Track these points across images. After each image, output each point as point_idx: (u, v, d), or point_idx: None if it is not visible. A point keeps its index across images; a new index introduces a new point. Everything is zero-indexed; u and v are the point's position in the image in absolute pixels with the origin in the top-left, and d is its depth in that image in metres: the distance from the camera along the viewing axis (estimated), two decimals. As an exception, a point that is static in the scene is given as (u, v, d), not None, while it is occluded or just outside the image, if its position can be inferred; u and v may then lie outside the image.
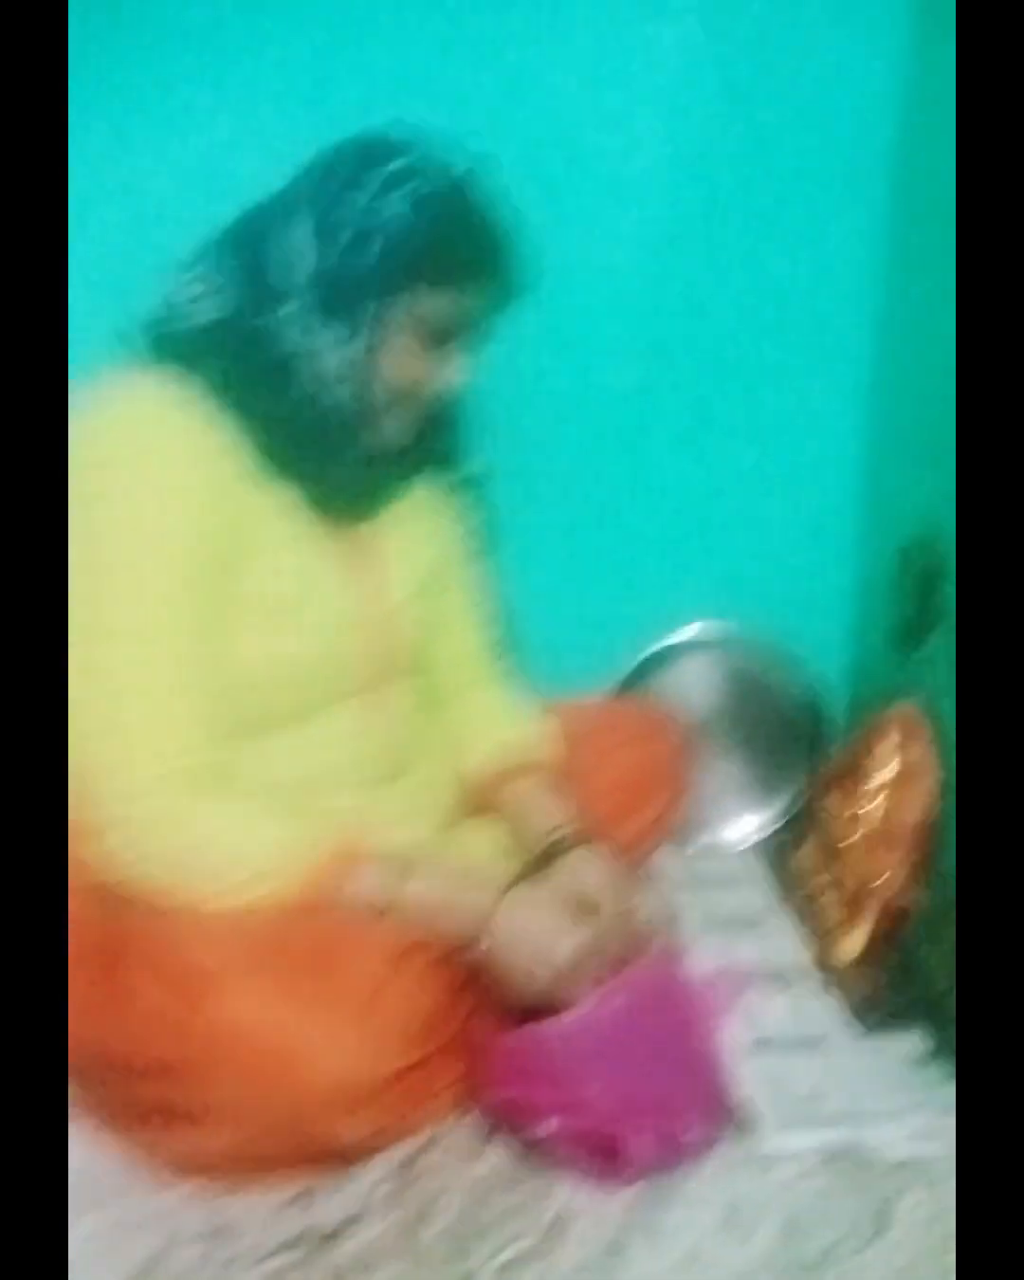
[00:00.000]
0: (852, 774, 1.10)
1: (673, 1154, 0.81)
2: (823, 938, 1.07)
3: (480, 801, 1.00)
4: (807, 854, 1.15)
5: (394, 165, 0.79)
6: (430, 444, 0.94)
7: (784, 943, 1.09)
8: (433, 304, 0.81)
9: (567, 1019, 0.80)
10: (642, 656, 1.23)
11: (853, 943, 1.04)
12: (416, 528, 0.97)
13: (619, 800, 1.03)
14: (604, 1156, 0.80)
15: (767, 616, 1.20)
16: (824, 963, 1.04)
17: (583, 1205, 0.79)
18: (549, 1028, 0.80)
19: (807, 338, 1.13)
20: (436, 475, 0.98)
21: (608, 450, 1.15)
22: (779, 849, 1.23)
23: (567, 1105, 0.80)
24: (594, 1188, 0.80)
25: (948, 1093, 0.87)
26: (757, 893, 1.18)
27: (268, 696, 0.86)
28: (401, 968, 0.78)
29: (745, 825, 1.27)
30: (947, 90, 0.86)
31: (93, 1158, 0.81)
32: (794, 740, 1.25)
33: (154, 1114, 0.78)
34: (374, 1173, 0.80)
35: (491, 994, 0.83)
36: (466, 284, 0.82)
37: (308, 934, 0.76)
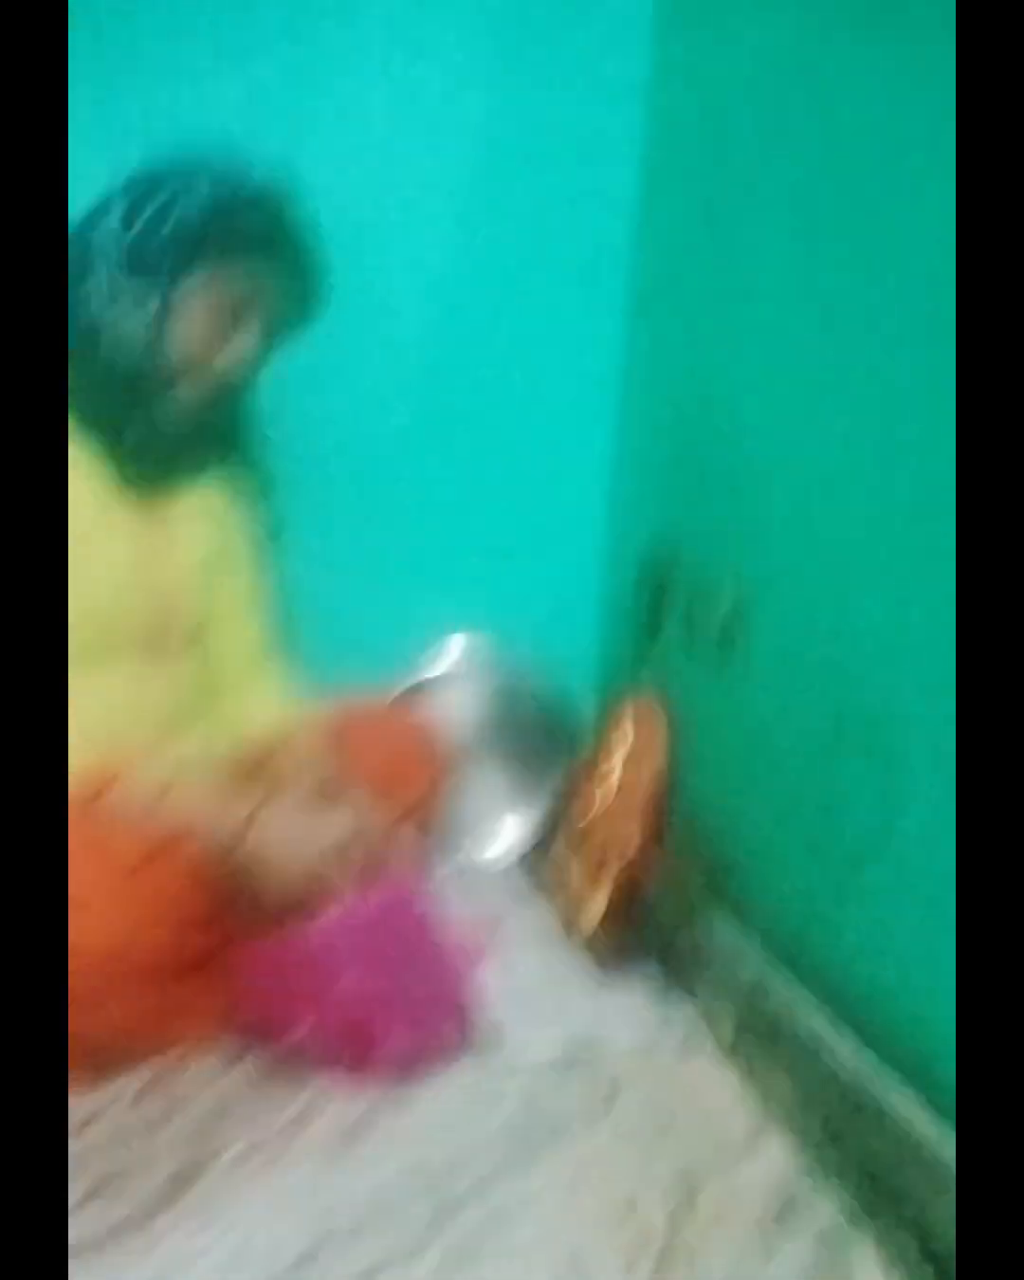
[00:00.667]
0: (594, 761, 1.21)
1: (423, 1052, 0.86)
2: (569, 907, 1.15)
3: (249, 770, 1.06)
4: (558, 843, 1.24)
5: (198, 165, 0.92)
6: (223, 434, 1.04)
7: (536, 915, 1.18)
8: (221, 280, 0.92)
9: (320, 920, 0.86)
10: (408, 679, 1.32)
11: (595, 907, 1.13)
12: (204, 512, 1.05)
13: (381, 779, 1.10)
14: (357, 1053, 0.85)
15: (524, 628, 1.32)
16: (571, 928, 1.13)
17: (335, 1095, 0.83)
18: (304, 927, 0.86)
19: (560, 368, 1.30)
20: (227, 468, 1.07)
21: (383, 466, 1.27)
22: (536, 852, 1.32)
23: (321, 1003, 0.85)
24: (347, 1087, 0.84)
25: (679, 1011, 0.97)
26: (515, 890, 1.26)
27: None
28: (163, 852, 0.82)
29: (506, 838, 1.36)
30: (688, 96, 1.05)
31: None
32: (550, 750, 1.35)
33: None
34: (123, 1081, 0.82)
35: (247, 905, 0.88)
36: (253, 263, 0.93)
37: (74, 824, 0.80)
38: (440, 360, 1.28)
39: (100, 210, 0.92)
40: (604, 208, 1.30)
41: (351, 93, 1.22)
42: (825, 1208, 0.73)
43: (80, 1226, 0.67)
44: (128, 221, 0.90)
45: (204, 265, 0.92)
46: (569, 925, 1.13)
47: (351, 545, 1.26)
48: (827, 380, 0.90)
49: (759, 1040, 0.89)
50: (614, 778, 1.16)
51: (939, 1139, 0.69)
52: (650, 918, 1.09)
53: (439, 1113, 0.82)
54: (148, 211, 0.90)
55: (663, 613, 1.21)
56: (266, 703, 1.10)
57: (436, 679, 1.34)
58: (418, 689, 1.33)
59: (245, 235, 0.92)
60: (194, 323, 0.93)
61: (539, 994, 1.00)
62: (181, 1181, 0.72)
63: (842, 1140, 0.77)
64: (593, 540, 1.35)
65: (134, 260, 0.91)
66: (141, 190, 0.92)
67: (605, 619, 1.35)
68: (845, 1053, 0.79)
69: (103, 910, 0.76)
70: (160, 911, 0.80)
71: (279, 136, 1.04)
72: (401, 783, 1.12)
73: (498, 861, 1.33)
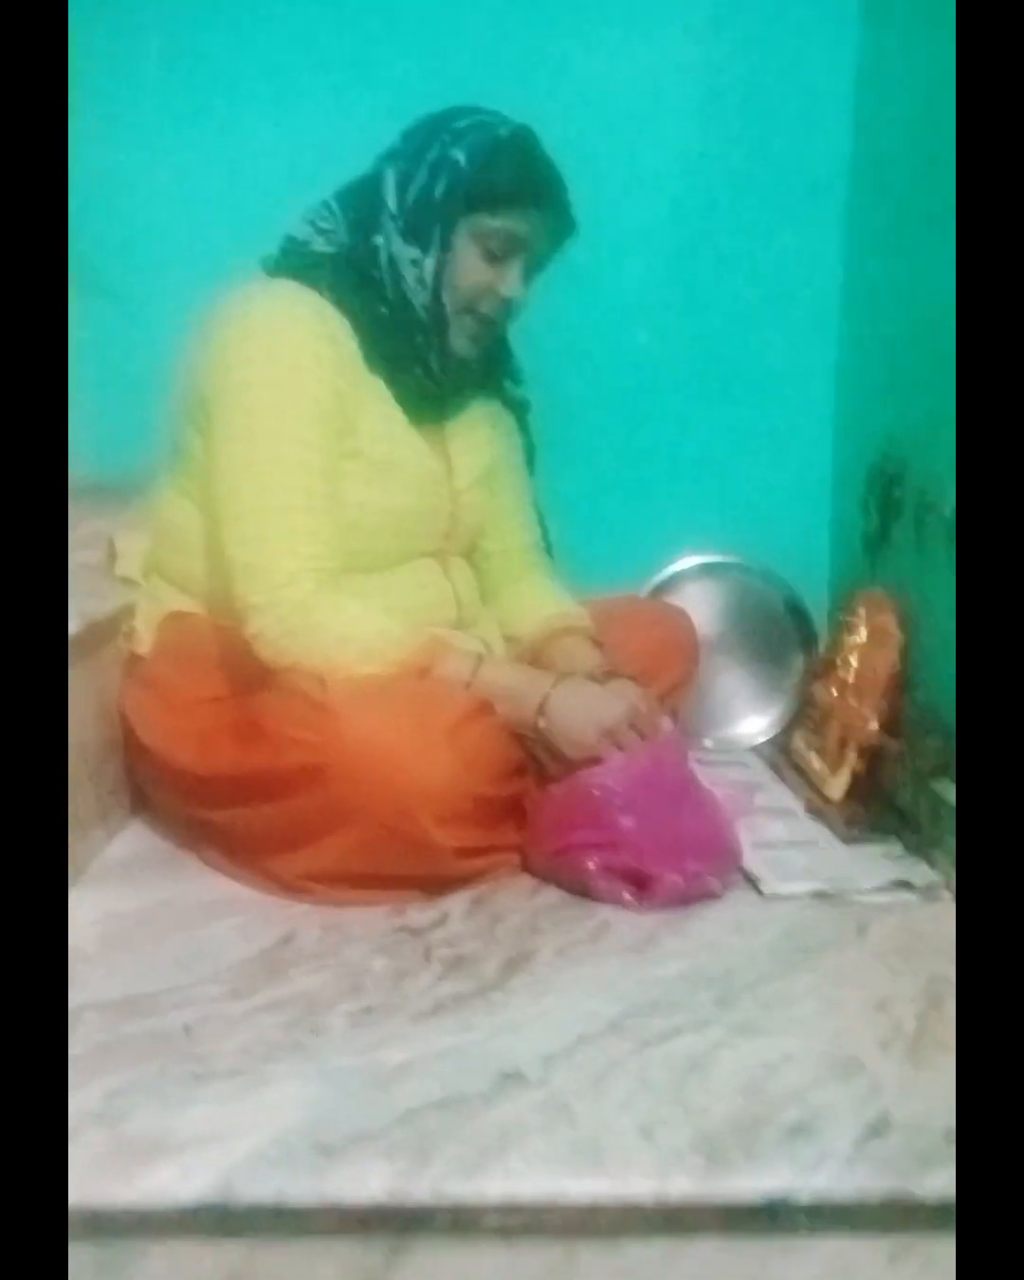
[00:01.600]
0: (832, 653, 1.33)
1: (693, 891, 1.01)
2: (812, 785, 1.28)
3: (529, 658, 1.22)
4: (799, 731, 1.37)
5: (455, 126, 1.07)
6: (490, 365, 1.21)
7: (781, 795, 1.31)
8: (489, 226, 1.07)
9: (603, 769, 1.02)
10: (652, 583, 1.47)
11: (839, 783, 1.25)
12: (477, 434, 1.22)
13: (642, 667, 1.25)
14: (637, 889, 1.01)
15: (762, 535, 1.44)
16: (815, 805, 1.25)
17: (624, 917, 0.99)
18: (589, 776, 1.02)
19: (787, 290, 1.41)
20: (493, 394, 1.24)
21: (625, 391, 1.42)
22: (778, 740, 1.45)
23: (605, 844, 1.01)
24: (630, 913, 1.00)
25: (920, 870, 1.09)
26: (760, 774, 1.39)
27: (366, 540, 1.09)
28: (482, 714, 1.00)
29: (753, 725, 1.49)
30: (891, 68, 1.14)
31: (223, 881, 1.04)
32: (788, 649, 1.48)
33: (274, 838, 0.99)
34: (454, 900, 1.01)
35: (545, 765, 1.05)
36: (514, 211, 1.07)
37: (407, 690, 0.99)
38: (674, 290, 1.41)
39: (373, 172, 1.09)
40: (820, 137, 1.42)
41: (584, 44, 1.36)
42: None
43: (438, 993, 0.86)
44: (401, 189, 1.07)
45: (469, 217, 1.07)
46: (812, 801, 1.26)
47: (601, 463, 1.41)
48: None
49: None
50: (852, 666, 1.27)
51: None
52: (889, 793, 1.21)
53: (711, 934, 0.97)
54: (420, 172, 1.06)
55: (890, 516, 1.30)
56: (536, 599, 1.27)
57: (683, 581, 1.48)
58: (666, 590, 1.47)
59: (502, 186, 1.07)
60: (464, 269, 1.09)
61: (790, 851, 1.14)
62: (510, 968, 0.90)
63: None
64: (823, 450, 1.46)
65: (409, 225, 1.07)
66: (408, 156, 1.08)
67: (838, 524, 1.46)
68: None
69: (433, 758, 0.94)
70: (478, 762, 0.97)
71: (521, 89, 1.18)
72: (658, 668, 1.27)
73: (743, 746, 1.47)
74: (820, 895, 1.04)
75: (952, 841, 1.09)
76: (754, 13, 1.37)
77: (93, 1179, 0.64)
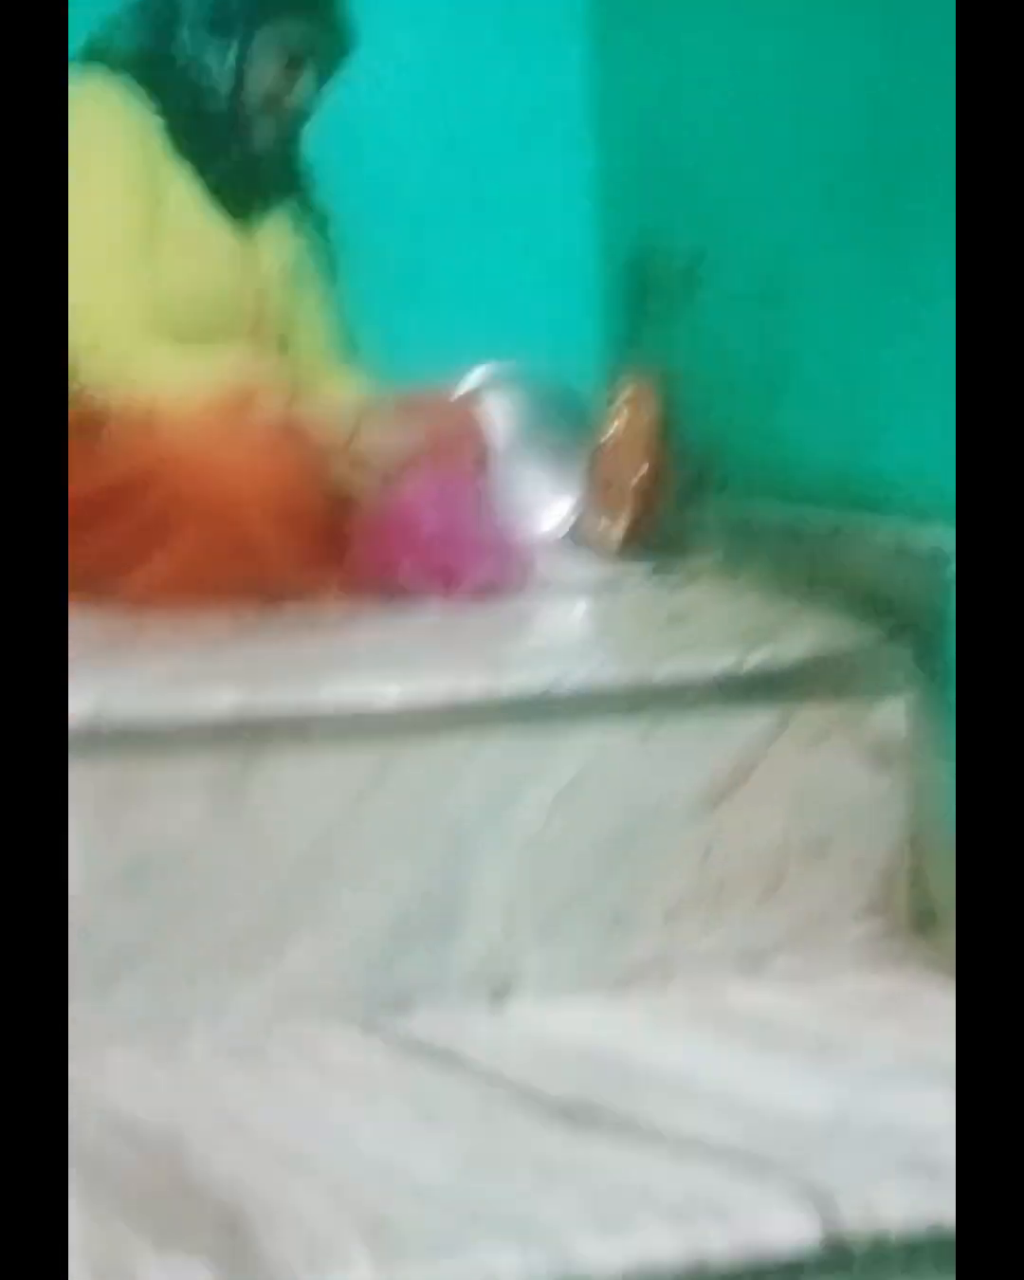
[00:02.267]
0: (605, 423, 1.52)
1: (496, 584, 1.19)
2: (596, 529, 1.47)
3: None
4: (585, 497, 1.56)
5: None
6: (288, 169, 1.35)
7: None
8: (287, 30, 1.22)
9: (408, 490, 1.19)
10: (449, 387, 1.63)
11: (617, 531, 1.45)
12: (280, 233, 1.36)
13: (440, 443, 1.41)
14: (447, 585, 1.18)
15: (541, 347, 1.62)
16: (600, 543, 1.45)
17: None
18: (396, 497, 1.18)
19: (544, 93, 1.59)
20: (294, 201, 1.38)
21: (407, 201, 1.58)
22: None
23: (416, 548, 1.17)
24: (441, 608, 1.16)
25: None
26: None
27: (179, 313, 1.23)
28: (299, 434, 1.15)
29: (555, 514, 1.67)
30: None
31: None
32: (575, 441, 1.67)
33: (118, 557, 1.11)
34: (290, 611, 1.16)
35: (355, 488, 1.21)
36: (305, 20, 1.23)
37: (230, 411, 1.13)
38: (442, 102, 1.56)
39: None
40: None
41: None
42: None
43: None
44: None
45: (268, 23, 1.21)
46: (598, 541, 1.46)
47: (391, 270, 1.56)
48: (776, 80, 1.16)
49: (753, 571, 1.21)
50: (619, 423, 1.47)
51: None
52: (655, 524, 1.41)
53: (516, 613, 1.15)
54: None
55: (646, 292, 1.51)
56: (339, 393, 1.42)
57: (474, 389, 1.65)
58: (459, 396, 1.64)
59: None
60: (263, 70, 1.23)
61: (577, 567, 1.33)
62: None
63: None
64: (588, 252, 1.64)
65: (216, 20, 1.20)
66: None
67: (607, 320, 1.65)
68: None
69: (262, 469, 1.09)
70: (299, 471, 1.13)
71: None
72: (454, 445, 1.43)
73: (550, 535, 1.65)
74: (599, 584, 1.24)
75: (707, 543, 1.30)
76: None
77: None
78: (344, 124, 1.42)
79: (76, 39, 1.23)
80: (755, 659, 0.86)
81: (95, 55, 1.22)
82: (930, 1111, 0.65)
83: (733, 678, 0.85)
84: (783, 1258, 0.57)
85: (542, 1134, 0.66)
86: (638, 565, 1.33)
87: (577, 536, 1.57)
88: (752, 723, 0.85)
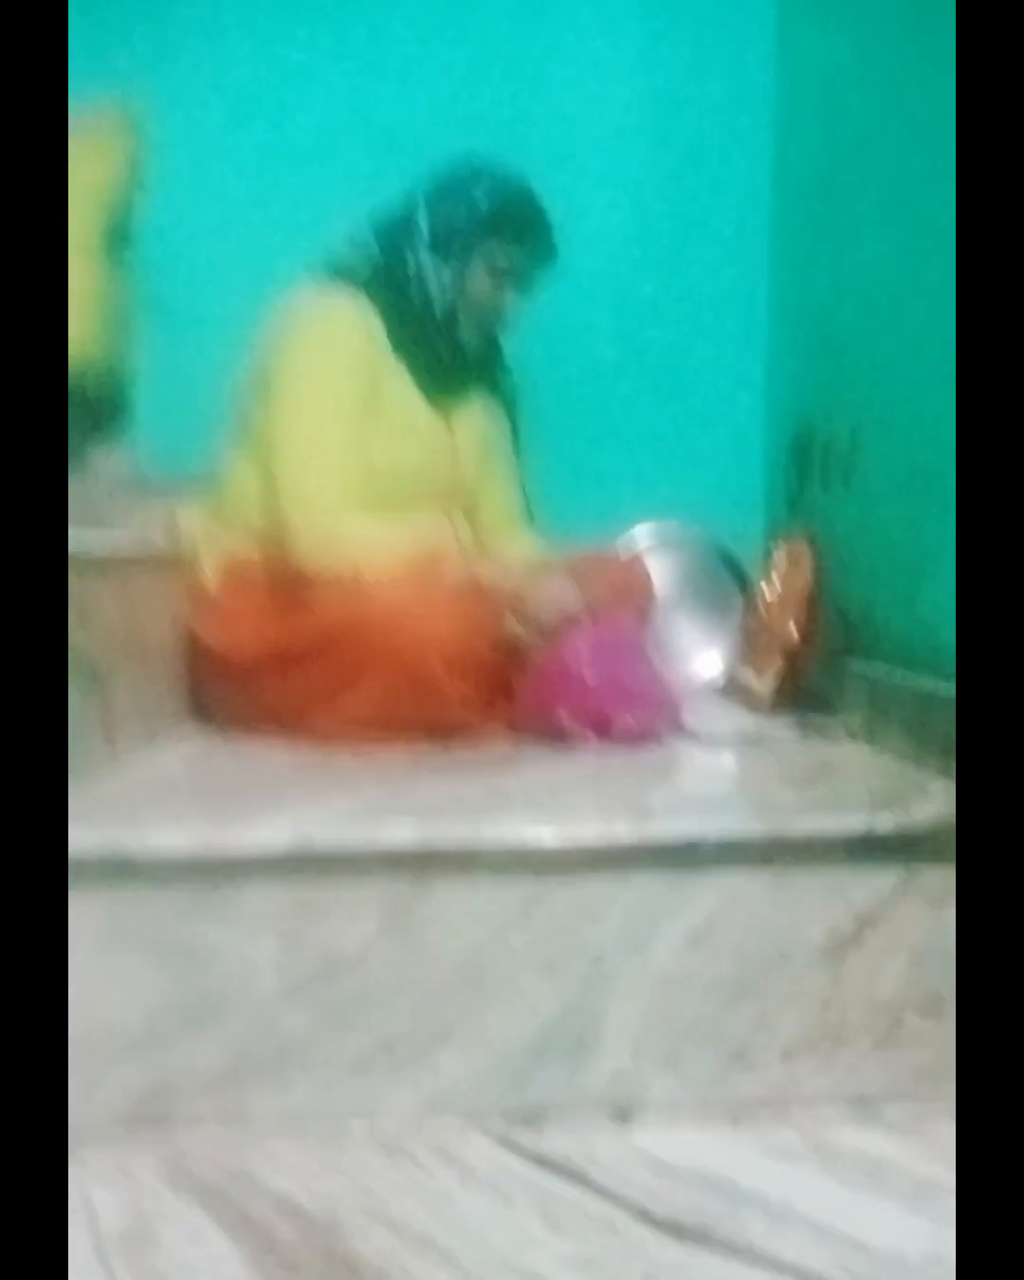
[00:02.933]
0: (761, 585, 1.63)
1: (641, 731, 1.29)
2: (746, 681, 1.56)
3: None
4: (739, 651, 1.66)
5: (482, 179, 1.42)
6: (489, 362, 1.54)
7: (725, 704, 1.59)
8: (496, 252, 1.42)
9: (571, 642, 1.31)
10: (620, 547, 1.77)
11: (767, 683, 1.54)
12: (475, 413, 1.54)
13: (606, 597, 1.54)
14: (601, 731, 1.28)
15: (706, 511, 1.75)
16: (748, 694, 1.54)
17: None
18: (559, 646, 1.31)
19: (721, 290, 1.78)
20: (490, 386, 1.57)
21: (593, 383, 1.76)
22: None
23: (575, 696, 1.29)
24: (596, 751, 1.27)
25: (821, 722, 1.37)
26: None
27: (388, 484, 1.41)
28: (478, 592, 1.30)
29: (707, 663, 1.77)
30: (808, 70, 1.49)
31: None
32: (730, 597, 1.77)
33: (315, 694, 1.27)
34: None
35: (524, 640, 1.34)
36: (513, 243, 1.43)
37: (419, 572, 1.29)
38: (630, 299, 1.75)
39: (407, 209, 1.44)
40: (745, 158, 1.79)
41: (553, 104, 1.74)
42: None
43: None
44: (433, 217, 1.41)
45: (482, 245, 1.42)
46: (748, 696, 1.55)
47: (575, 444, 1.73)
48: (928, 281, 1.27)
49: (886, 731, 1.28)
50: (777, 582, 1.57)
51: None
52: (803, 682, 1.50)
53: (664, 760, 1.25)
54: (447, 211, 1.41)
55: (805, 474, 1.62)
56: (519, 554, 1.57)
57: (640, 550, 1.78)
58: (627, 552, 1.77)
59: (507, 221, 1.42)
60: (474, 284, 1.43)
61: (725, 719, 1.42)
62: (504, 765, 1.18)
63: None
64: (755, 427, 1.79)
65: (438, 244, 1.41)
66: (439, 195, 1.42)
67: (769, 489, 1.77)
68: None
69: (441, 616, 1.24)
70: (475, 626, 1.27)
71: (516, 147, 1.53)
72: (620, 599, 1.55)
73: (703, 687, 1.75)
74: (741, 737, 1.32)
75: (849, 703, 1.37)
76: (681, 46, 1.78)
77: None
78: (543, 318, 1.61)
79: (313, 260, 1.47)
80: (885, 821, 0.93)
81: (335, 271, 1.45)
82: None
83: (862, 837, 0.92)
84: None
85: (653, 1247, 0.73)
86: (783, 720, 1.41)
87: (729, 688, 1.67)
88: (878, 880, 0.92)
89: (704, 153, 1.79)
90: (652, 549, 1.79)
